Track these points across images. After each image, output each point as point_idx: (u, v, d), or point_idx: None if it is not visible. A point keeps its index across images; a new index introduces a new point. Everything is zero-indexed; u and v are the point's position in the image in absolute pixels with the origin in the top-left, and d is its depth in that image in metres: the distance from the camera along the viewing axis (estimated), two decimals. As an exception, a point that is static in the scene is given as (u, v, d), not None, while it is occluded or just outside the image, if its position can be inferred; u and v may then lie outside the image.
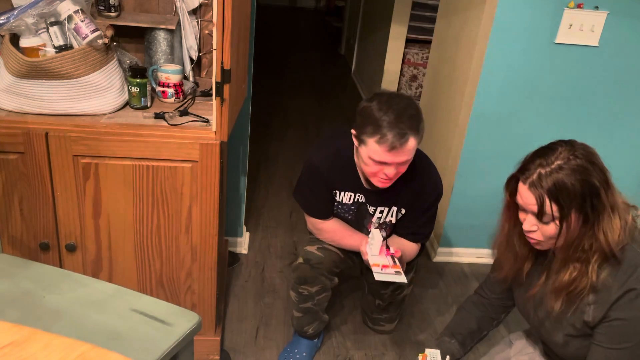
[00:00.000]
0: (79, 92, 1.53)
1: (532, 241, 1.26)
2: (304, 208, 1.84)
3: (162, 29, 1.75)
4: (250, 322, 2.15)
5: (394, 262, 1.68)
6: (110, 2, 1.71)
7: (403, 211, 1.80)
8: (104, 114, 1.59)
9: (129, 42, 1.85)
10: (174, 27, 1.75)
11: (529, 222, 1.23)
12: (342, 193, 1.76)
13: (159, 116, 1.60)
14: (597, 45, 2.19)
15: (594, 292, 1.21)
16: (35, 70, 1.46)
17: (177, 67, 1.72)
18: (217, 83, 1.47)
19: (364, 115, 1.54)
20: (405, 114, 1.49)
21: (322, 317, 1.97)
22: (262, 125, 3.87)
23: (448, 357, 1.46)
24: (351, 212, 1.82)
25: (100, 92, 1.56)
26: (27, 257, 1.63)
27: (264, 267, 2.48)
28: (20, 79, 1.49)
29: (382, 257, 1.69)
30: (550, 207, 1.16)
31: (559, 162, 1.16)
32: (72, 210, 1.59)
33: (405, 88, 4.38)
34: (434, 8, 3.46)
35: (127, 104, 1.66)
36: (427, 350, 1.46)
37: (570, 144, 1.20)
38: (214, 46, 1.42)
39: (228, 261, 2.41)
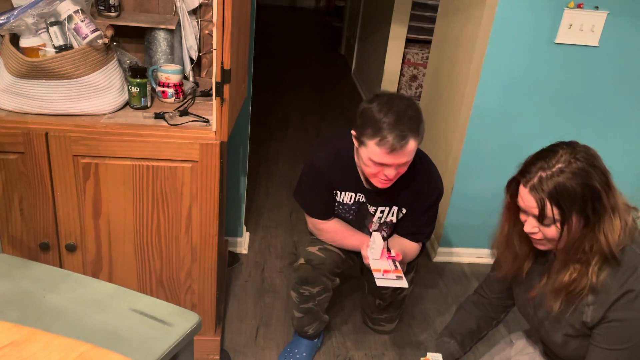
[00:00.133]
0: (79, 92, 1.53)
1: (535, 242, 1.26)
2: (305, 208, 1.84)
3: (162, 29, 1.75)
4: (250, 322, 2.15)
5: (395, 266, 1.68)
6: (110, 2, 1.71)
7: (404, 211, 1.80)
8: (104, 114, 1.59)
9: (129, 42, 1.85)
10: (174, 27, 1.75)
11: (529, 224, 1.22)
12: (343, 193, 1.76)
13: (159, 116, 1.60)
14: (597, 45, 2.19)
15: (593, 293, 1.20)
16: (35, 70, 1.46)
17: (177, 67, 1.72)
18: (217, 83, 1.47)
19: (364, 116, 1.54)
20: (406, 116, 1.49)
21: (323, 318, 1.97)
22: (262, 125, 3.87)
23: None
24: (352, 212, 1.82)
25: (100, 92, 1.56)
26: (27, 257, 1.63)
27: (264, 267, 2.48)
28: (20, 79, 1.49)
29: (384, 261, 1.68)
30: (552, 211, 1.16)
31: (560, 165, 1.16)
32: (72, 210, 1.59)
33: (405, 88, 4.38)
34: (434, 8, 3.46)
35: (127, 104, 1.66)
36: (429, 354, 1.45)
37: (571, 147, 1.19)
38: (214, 46, 1.42)
39: (228, 261, 2.41)
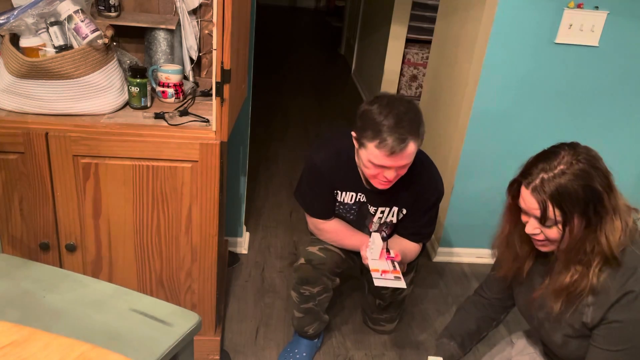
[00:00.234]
0: (79, 92, 1.53)
1: (537, 243, 1.26)
2: (305, 208, 1.84)
3: (162, 29, 1.75)
4: (250, 322, 2.15)
5: (394, 266, 1.68)
6: (110, 2, 1.71)
7: (404, 211, 1.80)
8: (104, 114, 1.59)
9: (129, 42, 1.85)
10: (174, 27, 1.75)
11: (531, 226, 1.22)
12: (344, 193, 1.76)
13: (159, 116, 1.60)
14: (597, 45, 2.19)
15: (593, 294, 1.20)
16: (35, 70, 1.46)
17: (177, 67, 1.72)
18: (217, 83, 1.47)
19: (364, 118, 1.54)
20: (406, 118, 1.49)
21: (323, 318, 1.97)
22: (262, 125, 3.87)
23: None
24: (353, 212, 1.82)
25: (100, 92, 1.56)
26: (27, 257, 1.63)
27: (264, 267, 2.48)
28: (20, 79, 1.48)
29: (382, 261, 1.68)
30: (553, 212, 1.16)
31: (561, 166, 1.16)
32: (72, 210, 1.59)
33: (405, 88, 4.38)
34: (434, 8, 3.46)
35: (127, 104, 1.66)
36: (430, 358, 1.45)
37: (573, 148, 1.19)
38: (214, 46, 1.42)
39: (228, 261, 2.41)
